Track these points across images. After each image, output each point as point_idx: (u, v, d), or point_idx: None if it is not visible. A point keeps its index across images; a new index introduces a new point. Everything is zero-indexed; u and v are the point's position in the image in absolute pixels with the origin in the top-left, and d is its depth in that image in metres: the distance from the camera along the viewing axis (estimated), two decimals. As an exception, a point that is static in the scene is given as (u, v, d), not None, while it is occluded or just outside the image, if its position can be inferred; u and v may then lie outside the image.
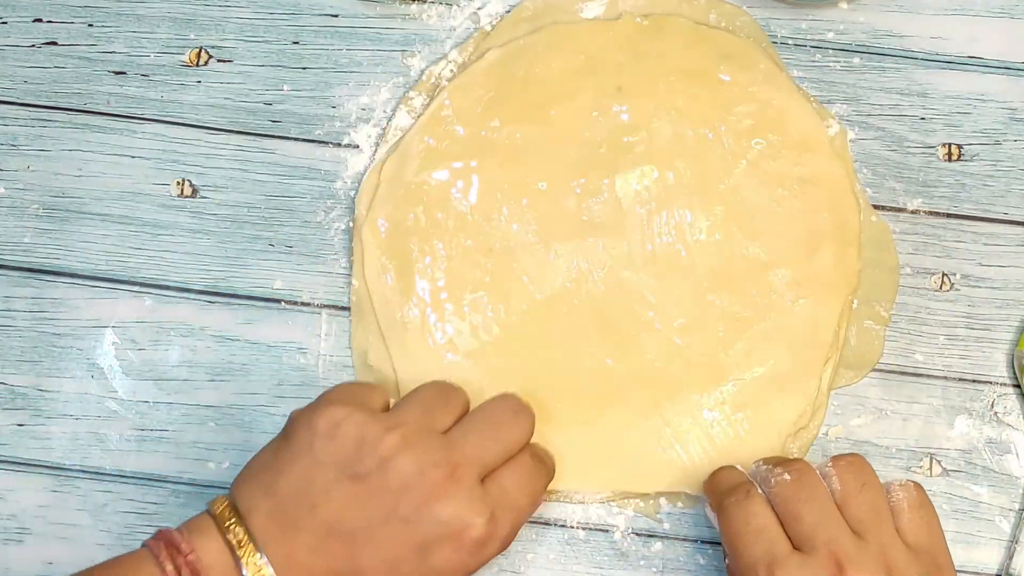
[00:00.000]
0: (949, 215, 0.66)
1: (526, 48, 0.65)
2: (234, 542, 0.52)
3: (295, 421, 0.55)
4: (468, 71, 0.64)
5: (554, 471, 0.60)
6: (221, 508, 0.53)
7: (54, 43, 0.67)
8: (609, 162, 0.64)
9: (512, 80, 0.64)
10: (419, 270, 0.63)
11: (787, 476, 0.55)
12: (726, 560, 0.56)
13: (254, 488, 0.54)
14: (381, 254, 0.63)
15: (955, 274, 0.65)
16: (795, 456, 0.63)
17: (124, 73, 0.66)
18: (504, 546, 0.55)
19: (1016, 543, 0.62)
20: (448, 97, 0.64)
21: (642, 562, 0.63)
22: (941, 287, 0.65)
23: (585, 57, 0.65)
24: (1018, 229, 0.65)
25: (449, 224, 0.63)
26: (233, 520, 0.53)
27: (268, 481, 0.54)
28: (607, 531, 0.63)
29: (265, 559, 0.52)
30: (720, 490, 0.57)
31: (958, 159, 0.66)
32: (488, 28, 0.66)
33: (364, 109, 0.66)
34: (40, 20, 0.67)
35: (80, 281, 0.65)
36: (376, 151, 0.65)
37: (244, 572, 0.52)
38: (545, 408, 0.62)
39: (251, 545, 0.52)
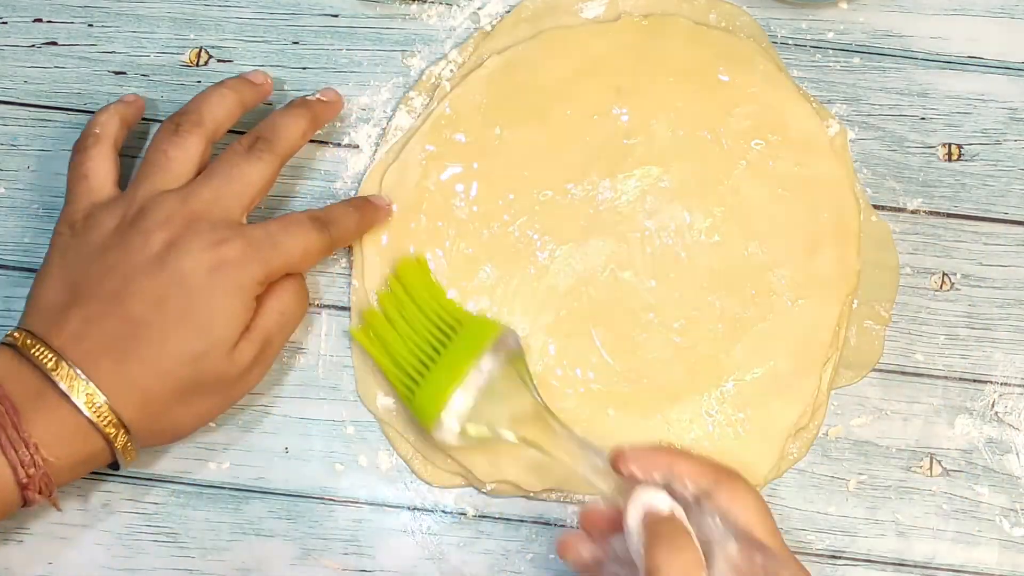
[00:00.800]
0: (949, 215, 0.66)
1: (526, 54, 0.65)
2: (23, 349, 0.55)
3: (51, 240, 0.59)
4: (469, 80, 0.64)
5: (331, 238, 0.60)
6: (8, 333, 0.56)
7: (54, 43, 0.67)
8: (609, 164, 0.64)
9: (513, 86, 0.64)
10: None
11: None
12: None
13: (30, 305, 0.57)
14: (383, 264, 0.63)
15: (955, 274, 0.65)
16: (794, 456, 0.63)
17: (124, 73, 0.66)
18: (266, 272, 0.57)
19: None
20: (449, 105, 0.64)
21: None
22: (941, 287, 0.65)
23: (585, 60, 0.65)
24: (1018, 229, 0.65)
25: (450, 232, 0.63)
26: (19, 336, 0.56)
27: (37, 293, 0.57)
28: (607, 531, 0.63)
29: (53, 353, 0.54)
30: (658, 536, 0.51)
31: (958, 159, 0.66)
32: (488, 28, 0.66)
33: (364, 109, 0.66)
34: (40, 20, 0.67)
35: (80, 281, 0.65)
36: (376, 151, 0.65)
37: (50, 376, 0.54)
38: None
39: (40, 347, 0.55)
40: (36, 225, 0.65)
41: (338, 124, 0.66)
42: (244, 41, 0.67)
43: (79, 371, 0.54)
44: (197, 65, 0.67)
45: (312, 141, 0.66)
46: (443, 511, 0.63)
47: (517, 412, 0.58)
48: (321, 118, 0.62)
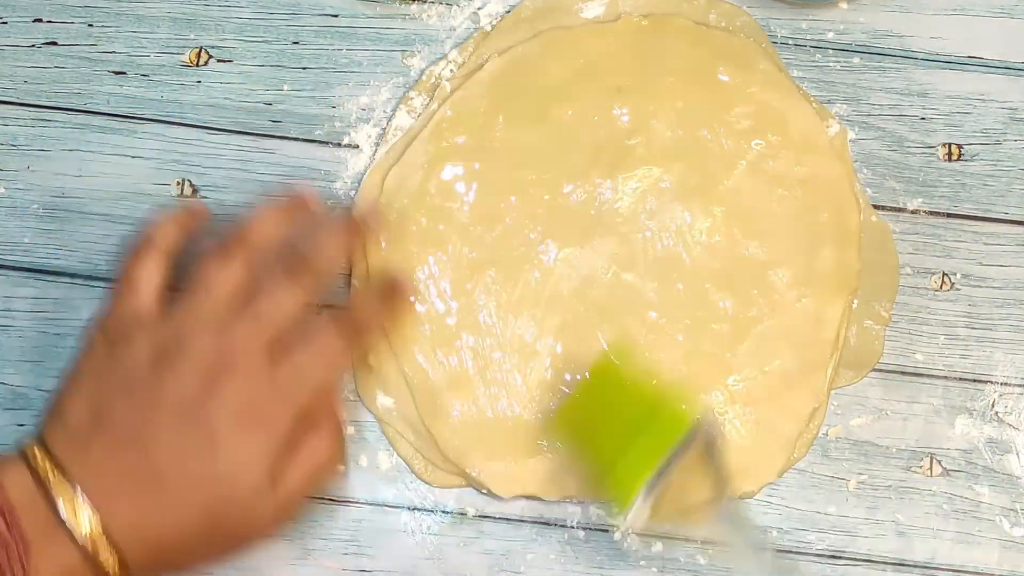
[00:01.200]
0: (949, 215, 0.66)
1: (526, 55, 0.65)
2: (42, 474, 0.53)
3: (83, 342, 0.57)
4: (469, 83, 0.64)
5: (360, 342, 0.59)
6: (28, 444, 0.54)
7: (54, 43, 0.67)
8: (610, 165, 0.64)
9: (513, 88, 0.64)
10: (422, 281, 0.63)
11: None
12: None
13: (53, 417, 0.55)
14: (384, 267, 0.63)
15: (955, 274, 0.65)
16: (794, 456, 0.63)
17: (124, 73, 0.66)
18: (295, 413, 0.55)
19: None
20: (450, 108, 0.64)
21: (642, 562, 0.62)
22: (941, 287, 0.65)
23: (585, 60, 0.65)
24: (1018, 229, 0.65)
25: (452, 235, 0.63)
26: (39, 454, 0.53)
27: (61, 405, 0.55)
28: (607, 531, 0.63)
29: (69, 484, 0.53)
30: None
31: (958, 159, 0.66)
32: (488, 28, 0.66)
33: (364, 109, 0.66)
34: (40, 20, 0.67)
35: (80, 281, 0.65)
36: (376, 151, 0.65)
37: (58, 503, 0.52)
38: (551, 411, 0.62)
39: (56, 473, 0.53)
40: (36, 225, 0.65)
41: (338, 124, 0.66)
42: (244, 41, 0.67)
43: (96, 517, 0.52)
44: (197, 65, 0.67)
45: (312, 141, 0.66)
46: (443, 511, 0.63)
47: (697, 502, 0.56)
48: (362, 237, 0.61)
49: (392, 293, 0.62)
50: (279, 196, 0.61)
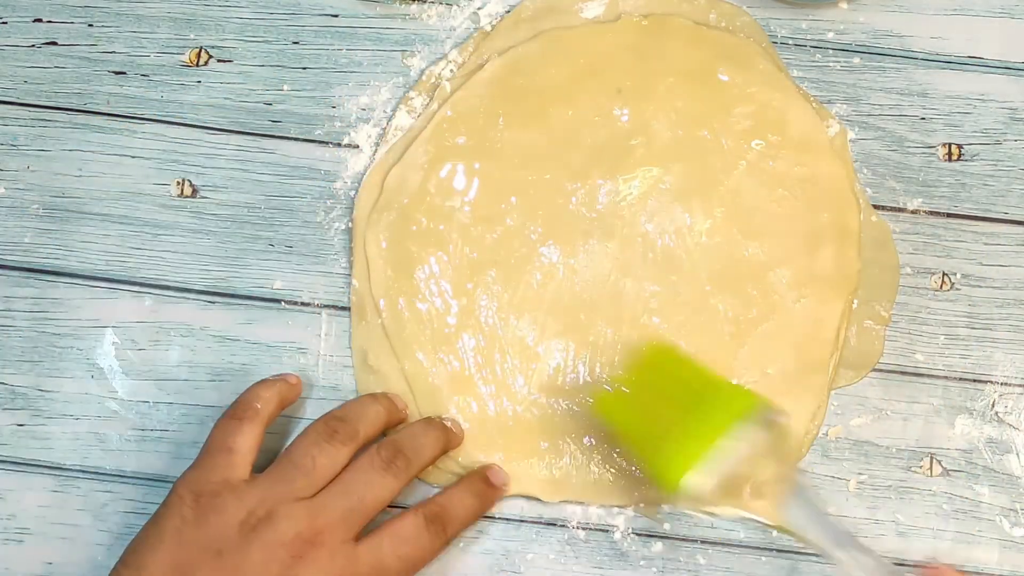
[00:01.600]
0: (949, 215, 0.66)
1: (526, 55, 0.65)
2: None
3: (169, 498, 0.57)
4: (469, 83, 0.64)
5: (446, 537, 0.59)
6: None
7: (54, 43, 0.67)
8: (610, 165, 0.64)
9: (513, 89, 0.64)
10: (422, 281, 0.63)
11: None
12: None
13: (131, 570, 0.55)
14: (386, 266, 0.63)
15: (955, 274, 0.65)
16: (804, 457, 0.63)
17: (124, 73, 0.66)
18: None
19: None
20: (450, 108, 0.64)
21: (642, 562, 0.62)
22: (941, 287, 0.65)
23: (585, 61, 0.65)
24: (1018, 229, 0.65)
25: (453, 235, 0.63)
26: None
27: (142, 559, 0.55)
28: (607, 531, 0.63)
29: None
30: None
31: (958, 159, 0.66)
32: (488, 28, 0.66)
33: (364, 109, 0.66)
34: (40, 20, 0.67)
35: (80, 281, 0.65)
36: (376, 151, 0.65)
37: None
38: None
39: None
40: (36, 225, 0.65)
41: (338, 124, 0.66)
42: (244, 41, 0.67)
43: None
44: (197, 65, 0.67)
45: (312, 141, 0.66)
46: (443, 511, 0.63)
47: (764, 483, 0.56)
48: (454, 443, 0.62)
49: (483, 487, 0.61)
50: (381, 394, 0.62)
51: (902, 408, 0.64)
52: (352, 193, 0.65)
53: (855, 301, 0.64)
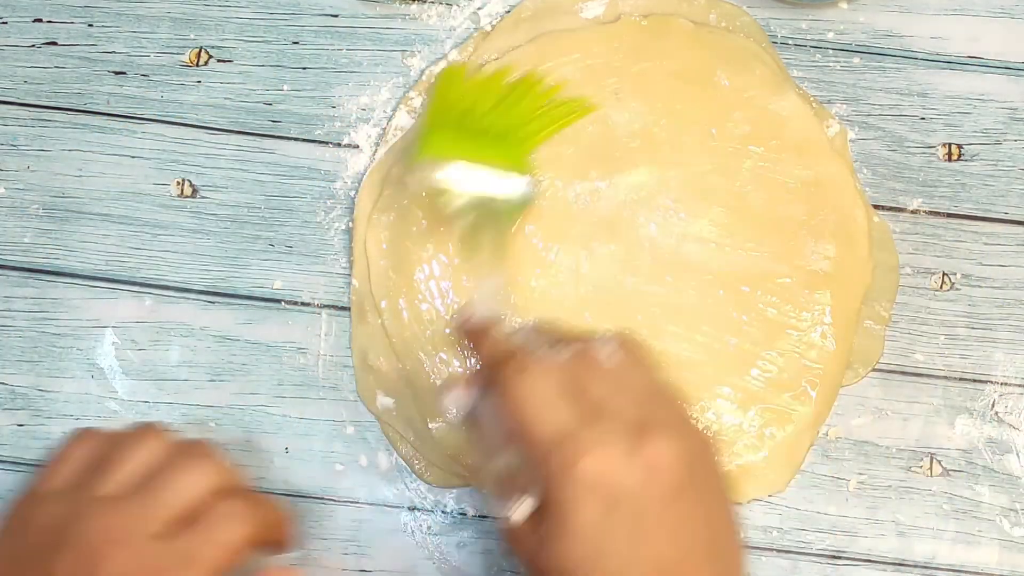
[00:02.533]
0: (949, 215, 0.66)
1: (526, 56, 0.65)
2: None
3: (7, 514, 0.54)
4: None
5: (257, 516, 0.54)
6: None
7: (54, 43, 0.67)
8: (610, 166, 0.64)
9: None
10: (422, 281, 0.63)
11: (569, 351, 0.51)
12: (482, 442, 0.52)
13: None
14: (386, 266, 0.63)
15: (955, 274, 0.65)
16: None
17: (124, 73, 0.66)
18: None
19: None
20: None
21: (642, 562, 0.62)
22: (941, 287, 0.65)
23: (584, 63, 0.65)
24: (1018, 229, 0.65)
25: (452, 236, 0.63)
26: None
27: None
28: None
29: None
30: (493, 359, 0.51)
31: (958, 159, 0.66)
32: (488, 28, 0.66)
33: (364, 109, 0.66)
34: (40, 20, 0.67)
35: (80, 281, 0.65)
36: (376, 151, 0.65)
37: None
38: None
39: None
40: (36, 225, 0.65)
41: (338, 124, 0.66)
42: (244, 41, 0.67)
43: None
44: (197, 65, 0.67)
45: (312, 141, 0.66)
46: (443, 511, 0.63)
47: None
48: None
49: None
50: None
51: (902, 408, 0.64)
52: (352, 193, 0.65)
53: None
